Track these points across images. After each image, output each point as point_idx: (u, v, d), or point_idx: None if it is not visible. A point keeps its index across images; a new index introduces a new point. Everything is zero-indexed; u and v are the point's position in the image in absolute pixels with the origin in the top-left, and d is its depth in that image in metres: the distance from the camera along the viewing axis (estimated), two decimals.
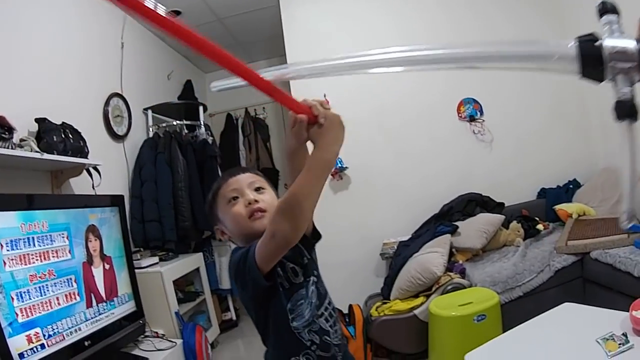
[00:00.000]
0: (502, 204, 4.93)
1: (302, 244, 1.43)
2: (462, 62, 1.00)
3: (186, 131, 5.54)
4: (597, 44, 0.75)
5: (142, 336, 3.69)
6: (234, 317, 5.52)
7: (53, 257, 2.82)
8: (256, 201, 1.52)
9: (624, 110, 0.79)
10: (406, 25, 5.33)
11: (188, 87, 6.57)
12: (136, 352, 3.50)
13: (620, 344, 1.75)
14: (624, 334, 1.80)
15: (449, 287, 3.68)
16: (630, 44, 0.72)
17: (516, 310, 3.39)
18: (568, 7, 5.24)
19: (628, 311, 1.90)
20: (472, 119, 5.25)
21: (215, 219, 1.63)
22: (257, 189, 1.58)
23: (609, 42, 0.74)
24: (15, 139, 2.97)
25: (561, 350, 1.93)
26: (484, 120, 5.26)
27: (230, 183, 1.57)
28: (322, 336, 1.45)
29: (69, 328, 2.84)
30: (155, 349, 3.56)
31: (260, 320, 1.51)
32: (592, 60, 0.77)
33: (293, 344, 1.43)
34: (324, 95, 4.77)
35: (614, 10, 0.74)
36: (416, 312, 3.71)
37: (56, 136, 3.30)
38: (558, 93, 5.35)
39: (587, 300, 3.60)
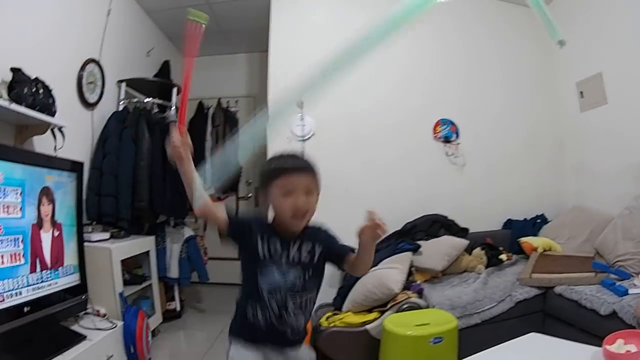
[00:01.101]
0: (467, 229, 4.92)
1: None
2: None
3: (157, 110, 5.38)
4: None
5: (83, 312, 3.51)
6: (179, 308, 5.34)
7: (4, 212, 2.64)
8: (303, 206, 1.85)
9: None
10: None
11: (165, 67, 6.36)
12: (75, 327, 3.31)
13: None
14: None
15: (405, 306, 3.59)
16: None
17: (472, 337, 3.36)
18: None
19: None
20: (447, 140, 5.26)
21: (264, 188, 1.93)
22: (308, 192, 1.88)
23: None
24: None
25: None
26: (458, 143, 5.27)
27: (291, 181, 1.85)
28: (281, 309, 1.88)
29: (10, 290, 2.65)
30: (94, 328, 3.37)
31: (239, 257, 1.99)
32: None
33: (254, 292, 1.88)
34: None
35: None
36: (368, 327, 3.61)
37: (27, 88, 3.17)
38: (536, 127, 5.50)
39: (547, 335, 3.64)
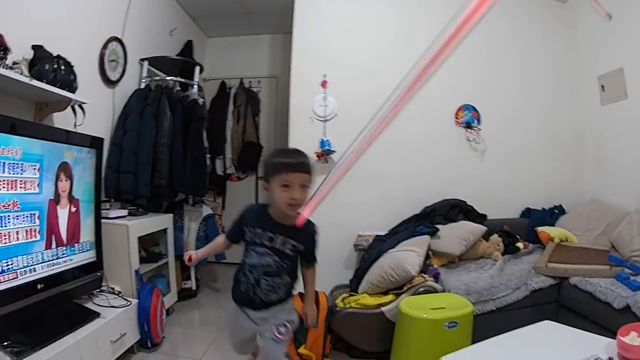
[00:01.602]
0: (485, 215, 4.90)
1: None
2: None
3: (178, 88, 5.37)
4: None
5: (98, 290, 3.55)
6: (194, 287, 5.36)
7: (21, 187, 2.66)
8: (297, 197, 2.23)
9: None
10: (414, 22, 5.24)
11: (188, 47, 6.40)
12: (89, 305, 3.34)
13: None
14: (610, 358, 1.83)
15: (421, 289, 3.59)
16: None
17: (487, 324, 3.37)
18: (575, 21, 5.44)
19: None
20: (468, 125, 5.23)
21: (266, 180, 2.33)
22: (303, 186, 2.25)
23: None
24: (9, 61, 2.87)
25: None
26: (480, 129, 5.24)
27: (290, 176, 2.23)
28: (256, 283, 2.44)
29: (24, 267, 2.68)
30: (109, 305, 3.40)
31: None
32: None
33: (245, 263, 2.47)
34: (324, 76, 4.99)
35: None
36: (384, 309, 3.61)
37: (48, 65, 3.17)
38: (557, 118, 5.46)
39: None
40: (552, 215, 5.14)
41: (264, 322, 2.54)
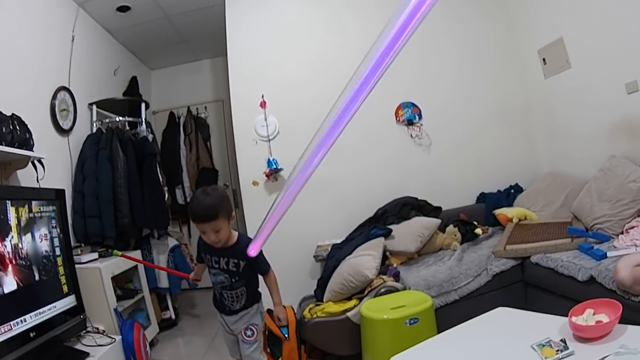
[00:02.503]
0: (439, 208, 5.01)
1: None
2: None
3: (128, 128, 5.51)
4: None
5: (84, 331, 3.67)
6: (173, 316, 5.48)
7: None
8: (213, 240, 2.72)
9: None
10: (341, 21, 5.40)
11: (133, 83, 6.52)
12: (78, 346, 3.47)
13: (558, 350, 1.73)
14: (563, 340, 1.79)
15: (382, 290, 3.71)
16: None
17: (453, 314, 3.38)
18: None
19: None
20: (410, 122, 5.31)
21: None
22: (216, 230, 2.68)
23: None
24: None
25: (492, 356, 1.93)
26: (422, 124, 5.33)
27: (200, 227, 2.71)
28: (220, 295, 2.97)
29: (15, 319, 2.82)
30: (96, 344, 3.53)
31: None
32: None
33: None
34: (262, 96, 5.11)
35: None
36: (349, 314, 3.75)
37: (5, 127, 3.29)
38: (501, 98, 5.50)
39: (529, 304, 3.72)
40: (509, 195, 5.18)
41: (236, 327, 3.00)
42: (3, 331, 2.68)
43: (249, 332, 2.97)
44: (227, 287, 2.88)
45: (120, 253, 4.21)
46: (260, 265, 2.94)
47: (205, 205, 2.66)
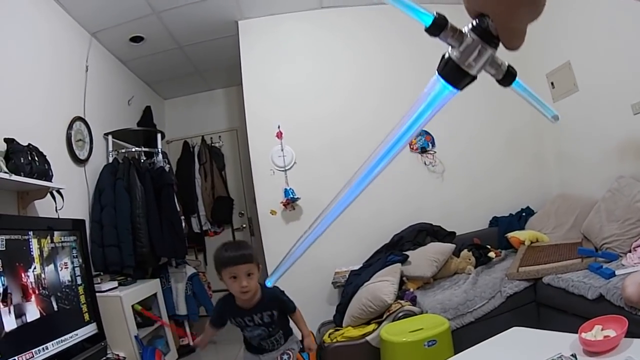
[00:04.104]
0: (453, 233, 5.06)
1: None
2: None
3: (144, 158, 5.60)
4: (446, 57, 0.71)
5: (104, 358, 3.71)
6: (191, 343, 5.50)
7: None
8: (246, 285, 2.59)
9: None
10: (365, 55, 5.49)
11: (147, 113, 6.64)
12: None
13: None
14: (573, 355, 1.86)
15: (400, 314, 3.80)
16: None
17: (469, 336, 3.47)
18: None
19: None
20: (423, 150, 5.40)
21: (218, 273, 2.67)
22: (249, 274, 2.61)
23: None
24: None
25: None
26: (435, 152, 5.42)
27: (234, 270, 2.59)
28: (259, 345, 2.91)
29: (37, 347, 2.87)
30: None
31: None
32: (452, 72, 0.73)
33: (245, 337, 2.94)
34: (278, 127, 5.14)
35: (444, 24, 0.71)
36: (368, 338, 3.83)
37: (23, 158, 3.35)
38: (512, 121, 5.57)
39: (542, 324, 3.74)
40: (521, 218, 5.26)
41: (273, 355, 2.97)
42: (25, 359, 2.73)
43: (285, 357, 2.98)
44: (265, 336, 2.87)
45: (140, 307, 4.33)
46: (288, 306, 2.95)
47: (240, 248, 2.72)
